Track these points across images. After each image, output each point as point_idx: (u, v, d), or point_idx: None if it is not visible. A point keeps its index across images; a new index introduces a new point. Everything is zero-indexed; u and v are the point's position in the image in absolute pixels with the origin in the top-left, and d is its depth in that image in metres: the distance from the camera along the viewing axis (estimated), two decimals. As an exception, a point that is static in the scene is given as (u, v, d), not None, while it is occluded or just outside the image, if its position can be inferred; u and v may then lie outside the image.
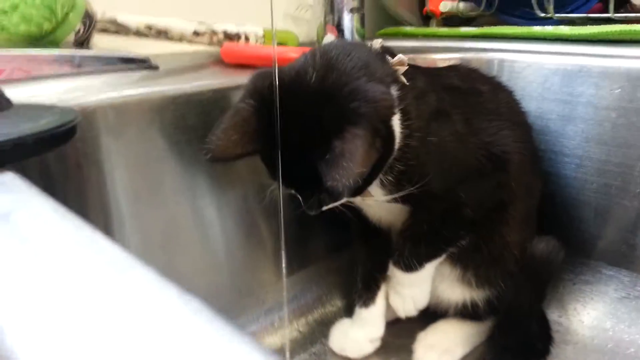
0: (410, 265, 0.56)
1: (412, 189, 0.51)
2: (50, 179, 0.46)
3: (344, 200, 0.51)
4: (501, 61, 0.71)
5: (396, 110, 0.47)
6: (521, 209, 0.59)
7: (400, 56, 0.51)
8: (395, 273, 0.58)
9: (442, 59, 0.73)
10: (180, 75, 0.59)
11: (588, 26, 0.69)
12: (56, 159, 0.46)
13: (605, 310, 0.65)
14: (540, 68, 0.68)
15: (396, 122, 0.48)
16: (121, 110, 0.50)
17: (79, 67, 0.50)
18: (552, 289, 0.68)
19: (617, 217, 0.64)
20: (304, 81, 0.45)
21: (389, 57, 0.51)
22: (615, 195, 0.63)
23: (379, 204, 0.56)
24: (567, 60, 0.66)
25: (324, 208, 0.49)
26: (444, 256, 0.57)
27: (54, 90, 0.49)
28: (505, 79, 0.70)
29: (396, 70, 0.50)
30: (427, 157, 0.51)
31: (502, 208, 0.57)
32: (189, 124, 0.55)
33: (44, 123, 0.31)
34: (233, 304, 0.63)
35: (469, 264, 0.59)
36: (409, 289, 0.58)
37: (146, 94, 0.52)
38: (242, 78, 0.59)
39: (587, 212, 0.66)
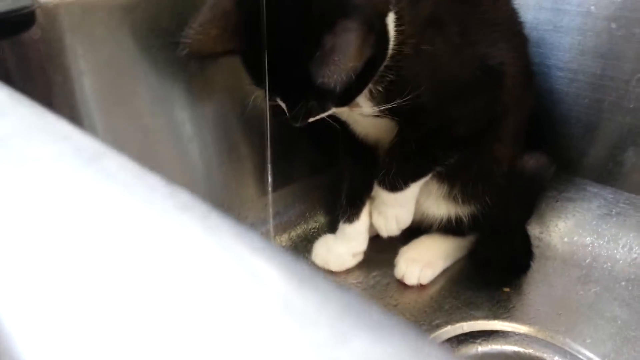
0: (396, 184, 0.55)
1: (402, 101, 0.48)
2: (12, 83, 0.42)
3: (330, 111, 0.48)
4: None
5: (391, 7, 0.43)
6: (512, 123, 0.58)
7: None
8: (379, 193, 0.57)
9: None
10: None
11: None
12: (17, 61, 0.42)
13: (586, 226, 0.66)
14: (539, -26, 0.64)
15: (390, 24, 0.45)
16: (87, 7, 0.45)
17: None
18: (544, 191, 0.68)
19: (607, 134, 0.63)
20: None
21: None
22: (608, 110, 0.62)
23: (366, 118, 0.54)
24: (569, -35, 0.62)
25: (311, 119, 0.47)
26: (430, 175, 0.56)
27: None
28: (501, -14, 0.66)
29: None
30: (420, 68, 0.48)
31: (494, 124, 0.55)
32: (163, 26, 0.50)
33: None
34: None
35: (456, 181, 0.58)
36: (393, 209, 0.58)
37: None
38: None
39: (576, 129, 0.65)
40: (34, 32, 0.35)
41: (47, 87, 0.45)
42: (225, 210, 0.55)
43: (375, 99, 0.49)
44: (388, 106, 0.49)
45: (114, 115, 0.50)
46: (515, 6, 0.61)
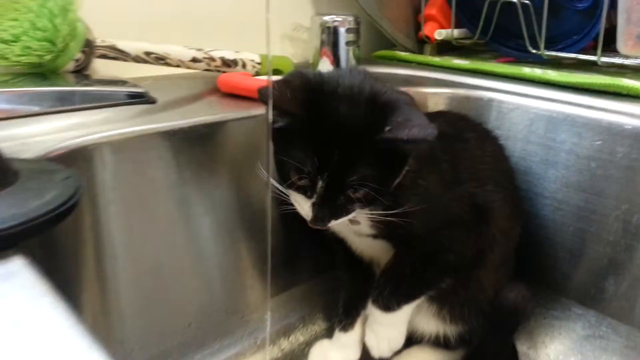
0: (389, 305, 0.58)
1: (396, 222, 0.52)
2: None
3: (352, 215, 0.50)
4: (490, 100, 0.73)
5: None
6: (499, 253, 0.62)
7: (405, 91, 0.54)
8: (373, 311, 0.60)
9: (433, 93, 0.75)
10: (176, 109, 0.60)
11: (575, 74, 0.71)
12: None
13: (571, 345, 0.69)
14: (526, 111, 0.70)
15: None
16: (118, 147, 0.52)
17: (79, 102, 0.51)
18: (525, 323, 0.72)
19: (590, 261, 0.67)
20: (346, 81, 0.48)
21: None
22: (590, 240, 0.67)
23: (363, 238, 0.58)
24: (553, 106, 0.68)
25: (331, 223, 0.49)
26: (422, 298, 0.60)
27: (54, 129, 0.50)
28: (493, 118, 0.72)
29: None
30: (414, 199, 0.53)
31: (482, 254, 0.60)
32: (184, 158, 0.57)
33: (49, 199, 0.33)
34: (220, 324, 0.66)
35: (445, 302, 0.62)
36: (385, 329, 0.61)
37: (143, 131, 0.54)
38: (236, 112, 0.61)
39: (562, 253, 0.70)
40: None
41: (78, 214, 0.51)
42: (231, 314, 0.60)
43: (373, 219, 0.53)
44: (382, 227, 0.54)
45: (134, 235, 0.56)
46: (503, 138, 0.67)
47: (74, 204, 0.33)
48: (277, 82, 0.47)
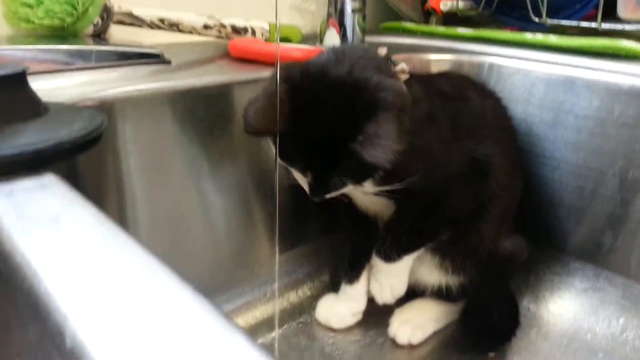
0: (390, 256, 0.62)
1: (398, 184, 0.56)
2: (74, 164, 0.52)
3: (346, 189, 0.55)
4: (491, 65, 0.75)
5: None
6: (499, 207, 0.64)
7: (402, 65, 0.56)
8: (376, 262, 0.63)
9: (436, 59, 0.78)
10: (190, 70, 0.64)
11: (575, 37, 0.73)
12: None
13: (569, 299, 0.72)
14: (527, 75, 0.72)
15: None
16: (137, 103, 0.56)
17: (97, 61, 0.55)
18: (524, 278, 0.75)
19: (588, 217, 0.70)
20: (333, 73, 0.50)
21: (393, 65, 0.56)
22: (587, 197, 0.69)
23: (367, 196, 0.62)
24: (553, 69, 0.70)
25: (328, 195, 0.54)
26: (423, 250, 0.63)
27: (76, 83, 0.54)
28: (494, 82, 0.75)
29: (399, 77, 0.55)
30: (414, 158, 0.55)
31: (481, 207, 0.62)
32: (198, 116, 0.60)
33: (77, 129, 0.36)
34: (231, 277, 0.69)
35: (447, 254, 0.65)
36: (388, 278, 0.64)
37: (159, 88, 0.57)
38: (246, 74, 0.65)
39: (561, 211, 0.72)
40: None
41: (100, 164, 0.55)
42: (242, 267, 0.64)
43: (376, 181, 0.57)
44: (387, 188, 0.57)
45: (152, 188, 0.59)
46: (505, 101, 0.70)
47: (99, 134, 0.37)
48: (261, 100, 0.50)
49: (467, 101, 0.63)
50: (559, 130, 0.70)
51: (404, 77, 0.56)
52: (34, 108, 0.37)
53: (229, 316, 0.21)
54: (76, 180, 0.54)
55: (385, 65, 0.55)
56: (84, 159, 0.53)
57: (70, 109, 0.41)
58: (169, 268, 0.24)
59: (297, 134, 0.50)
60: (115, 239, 0.26)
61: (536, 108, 0.72)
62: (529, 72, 0.72)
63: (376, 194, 0.60)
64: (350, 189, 0.60)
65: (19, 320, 0.24)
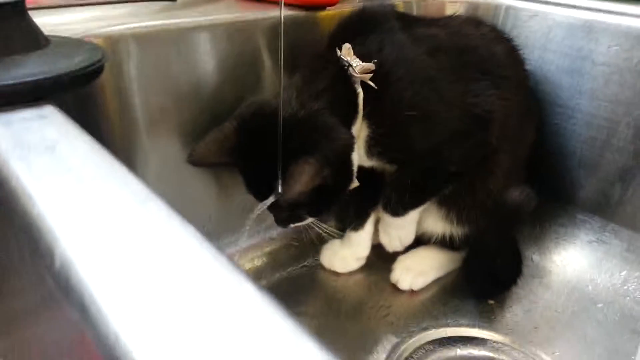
0: (397, 211, 0.63)
1: (396, 154, 0.59)
2: (78, 101, 0.52)
3: (309, 221, 0.60)
4: (508, 7, 0.72)
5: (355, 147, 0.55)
6: (506, 159, 0.64)
7: (364, 65, 0.55)
8: (384, 216, 0.65)
9: (451, 1, 0.75)
10: (196, 8, 0.62)
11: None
12: (83, 84, 0.52)
13: (573, 251, 0.72)
14: (545, 18, 0.69)
15: (362, 128, 0.57)
16: (140, 39, 0.55)
17: (103, -4, 0.54)
18: (530, 229, 0.75)
19: (598, 169, 0.69)
20: (284, 113, 0.52)
21: (353, 72, 0.55)
22: (600, 147, 0.68)
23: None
24: (572, 12, 0.67)
25: (293, 225, 0.60)
26: (427, 204, 0.63)
27: (80, 19, 0.53)
28: (510, 26, 0.72)
29: (357, 91, 0.56)
30: (407, 130, 0.57)
31: (486, 161, 0.62)
32: (203, 55, 0.59)
33: (77, 62, 0.36)
34: (237, 219, 0.70)
35: (452, 206, 0.65)
36: (396, 230, 0.66)
37: (165, 25, 0.56)
38: (253, 13, 0.63)
39: (572, 162, 0.71)
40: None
41: (107, 104, 0.55)
42: (248, 211, 0.64)
43: (373, 156, 0.59)
44: (383, 159, 0.60)
45: (158, 127, 0.59)
46: (519, 45, 0.67)
47: (99, 68, 0.36)
48: (209, 136, 0.55)
49: (469, 52, 0.61)
50: (575, 78, 0.68)
51: (368, 76, 0.55)
52: (34, 39, 0.36)
53: (212, 242, 0.21)
54: (80, 117, 0.54)
55: (340, 79, 0.55)
56: (88, 96, 0.53)
57: (72, 42, 0.40)
58: (159, 197, 0.24)
59: (240, 167, 0.55)
60: (108, 167, 0.26)
61: (552, 54, 0.69)
62: (547, 15, 0.69)
63: (379, 163, 0.61)
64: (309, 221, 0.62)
65: (15, 243, 0.25)
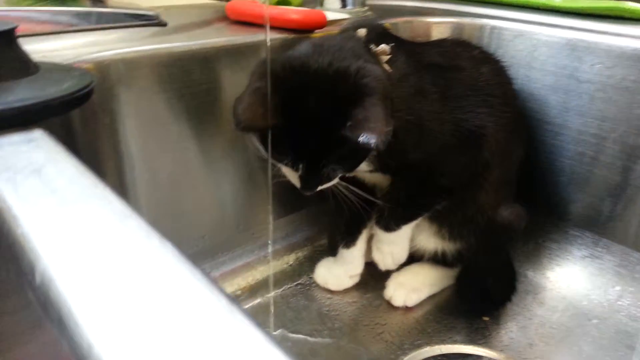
0: (389, 226, 0.63)
1: (389, 161, 0.57)
2: (70, 126, 0.53)
3: (335, 180, 0.56)
4: (493, 28, 0.74)
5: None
6: (497, 175, 0.64)
7: (383, 46, 0.55)
8: (377, 231, 0.65)
9: (437, 23, 0.76)
10: (187, 32, 0.64)
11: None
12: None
13: (567, 266, 0.72)
14: (530, 38, 0.71)
15: None
16: (133, 64, 0.56)
17: (95, 23, 0.55)
18: (523, 245, 0.75)
19: (588, 185, 0.69)
20: (314, 66, 0.51)
21: (373, 46, 0.55)
22: (588, 163, 0.68)
23: (363, 172, 0.62)
24: (556, 32, 0.69)
25: (319, 188, 0.56)
26: (420, 219, 0.64)
27: (71, 45, 0.54)
28: (495, 46, 0.73)
29: (379, 59, 0.55)
30: (405, 134, 0.56)
31: (477, 176, 0.62)
32: (194, 78, 0.60)
33: (66, 87, 0.37)
34: (231, 238, 0.71)
35: (444, 222, 0.65)
36: (388, 246, 0.66)
37: (155, 50, 0.57)
38: (244, 37, 0.64)
39: (561, 178, 0.72)
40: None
41: (97, 126, 0.56)
42: (242, 230, 0.65)
43: (369, 161, 0.58)
44: (379, 167, 0.59)
45: (150, 150, 0.60)
46: (506, 65, 0.69)
47: (88, 93, 0.37)
48: (247, 96, 0.50)
49: (459, 71, 0.62)
50: (561, 95, 0.69)
51: (385, 58, 0.56)
52: (23, 66, 0.37)
53: (189, 258, 0.21)
54: (73, 142, 0.55)
55: (365, 49, 0.55)
56: (80, 121, 0.54)
57: (61, 68, 0.41)
58: (141, 217, 0.24)
59: (286, 127, 0.51)
60: (92, 188, 0.27)
61: (538, 72, 0.71)
62: (531, 35, 0.70)
63: (371, 171, 0.61)
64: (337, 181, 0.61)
65: (2, 262, 0.25)
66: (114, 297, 0.19)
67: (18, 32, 0.38)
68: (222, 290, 0.19)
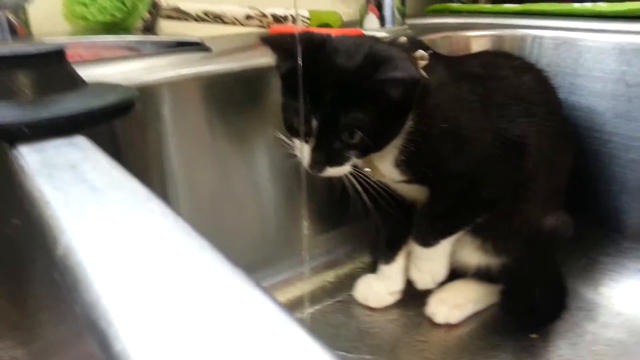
0: (427, 241, 0.61)
1: (425, 170, 0.56)
2: (117, 143, 0.57)
3: (348, 167, 0.54)
4: (534, 38, 0.73)
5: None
6: (542, 186, 0.62)
7: (420, 52, 0.56)
8: (414, 247, 0.63)
9: (476, 36, 0.76)
10: (229, 56, 0.67)
11: (627, 2, 0.69)
12: (123, 127, 0.57)
13: (621, 281, 0.68)
14: (573, 45, 0.69)
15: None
16: (177, 87, 0.60)
17: (143, 50, 0.60)
18: (575, 260, 0.71)
19: (641, 193, 0.66)
20: (356, 42, 0.52)
21: (411, 51, 0.56)
22: (641, 171, 0.65)
23: (399, 183, 0.62)
24: (601, 37, 0.67)
25: (330, 171, 0.53)
26: (460, 233, 0.62)
27: (121, 70, 0.59)
28: (537, 55, 0.72)
29: (417, 64, 0.55)
30: (440, 142, 0.56)
31: (521, 187, 0.60)
32: (237, 98, 0.64)
33: (109, 99, 0.40)
34: (272, 254, 0.72)
35: (488, 236, 0.63)
36: (427, 263, 0.64)
37: (199, 73, 0.61)
38: (284, 57, 0.67)
39: (613, 187, 0.68)
40: (138, 105, 0.48)
41: (144, 144, 0.60)
42: (282, 246, 0.66)
43: (400, 168, 0.57)
44: (413, 176, 0.58)
45: (193, 168, 0.63)
46: (550, 74, 0.67)
47: (130, 105, 0.41)
48: (283, 33, 0.52)
49: (500, 80, 0.61)
50: (610, 101, 0.66)
51: (423, 63, 0.56)
52: (72, 82, 0.41)
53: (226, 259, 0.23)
54: (119, 158, 0.59)
55: (404, 50, 0.55)
56: (127, 140, 0.58)
57: (106, 85, 0.45)
58: (159, 200, 0.26)
59: (307, 70, 0.49)
60: (120, 179, 0.29)
61: (584, 79, 0.69)
62: (575, 42, 0.69)
63: (408, 181, 0.60)
64: (373, 176, 0.60)
65: (34, 243, 0.28)
66: (147, 291, 0.20)
67: (76, 59, 0.42)
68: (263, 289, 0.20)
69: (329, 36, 0.53)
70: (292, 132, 0.55)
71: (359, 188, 0.58)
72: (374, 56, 0.50)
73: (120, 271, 0.21)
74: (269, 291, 0.20)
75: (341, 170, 0.54)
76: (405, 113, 0.54)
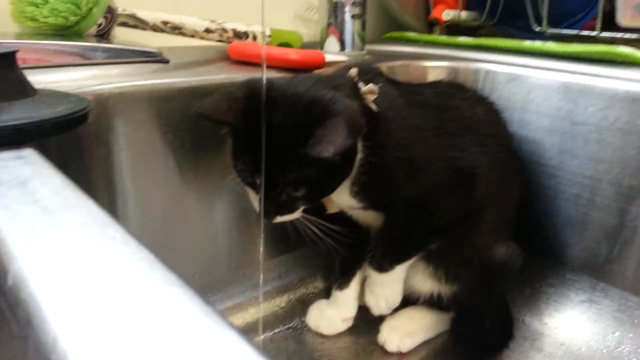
0: (382, 266, 0.62)
1: (379, 197, 0.57)
2: (65, 155, 0.53)
3: (298, 213, 0.55)
4: (487, 72, 0.75)
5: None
6: (493, 216, 0.63)
7: (370, 86, 0.56)
8: (369, 272, 0.64)
9: (433, 67, 0.78)
10: (188, 69, 0.65)
11: (574, 44, 0.73)
12: (71, 138, 0.53)
13: (565, 312, 0.70)
14: (524, 81, 0.72)
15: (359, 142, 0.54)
16: (132, 98, 0.57)
17: (98, 58, 0.57)
18: (520, 290, 0.73)
19: (585, 227, 0.69)
20: (292, 89, 0.51)
21: (362, 85, 0.56)
22: (584, 205, 0.68)
23: (354, 210, 0.62)
24: (550, 75, 0.70)
25: (281, 216, 0.54)
26: (414, 259, 0.63)
27: (74, 78, 0.55)
28: (490, 89, 0.75)
29: (364, 99, 0.55)
30: (392, 171, 0.56)
31: (472, 217, 0.62)
32: (191, 112, 0.61)
33: (61, 109, 0.37)
34: (223, 277, 0.69)
35: (440, 263, 0.64)
36: (382, 289, 0.64)
37: (155, 85, 0.58)
38: (244, 74, 0.66)
39: (558, 220, 0.71)
40: (91, 117, 0.45)
41: (93, 158, 0.56)
42: (234, 269, 0.64)
43: (357, 196, 0.57)
44: (367, 202, 0.58)
45: (144, 183, 0.60)
46: (501, 108, 0.70)
47: (82, 116, 0.38)
48: (218, 95, 0.51)
49: (452, 110, 0.63)
50: (555, 137, 0.70)
51: (372, 97, 0.56)
52: (21, 89, 0.38)
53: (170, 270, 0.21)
54: (66, 172, 0.55)
55: (350, 86, 0.55)
56: (74, 151, 0.54)
57: (58, 94, 0.42)
58: (120, 225, 0.24)
59: (247, 130, 0.50)
60: (74, 200, 0.26)
61: (533, 115, 0.72)
62: (526, 79, 0.72)
63: (364, 208, 0.60)
64: (332, 204, 0.60)
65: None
66: (83, 296, 0.18)
67: (23, 63, 0.39)
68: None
69: (270, 84, 0.52)
70: (244, 182, 0.55)
71: (314, 229, 0.58)
72: (310, 114, 0.49)
73: (80, 306, 0.19)
74: (247, 336, 0.19)
75: (292, 217, 0.55)
76: (352, 159, 0.54)
